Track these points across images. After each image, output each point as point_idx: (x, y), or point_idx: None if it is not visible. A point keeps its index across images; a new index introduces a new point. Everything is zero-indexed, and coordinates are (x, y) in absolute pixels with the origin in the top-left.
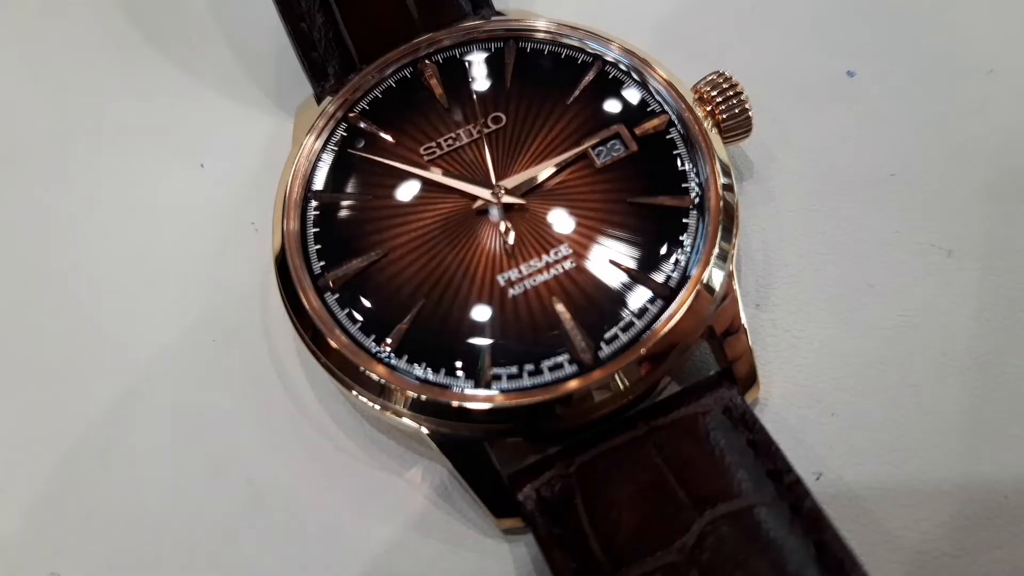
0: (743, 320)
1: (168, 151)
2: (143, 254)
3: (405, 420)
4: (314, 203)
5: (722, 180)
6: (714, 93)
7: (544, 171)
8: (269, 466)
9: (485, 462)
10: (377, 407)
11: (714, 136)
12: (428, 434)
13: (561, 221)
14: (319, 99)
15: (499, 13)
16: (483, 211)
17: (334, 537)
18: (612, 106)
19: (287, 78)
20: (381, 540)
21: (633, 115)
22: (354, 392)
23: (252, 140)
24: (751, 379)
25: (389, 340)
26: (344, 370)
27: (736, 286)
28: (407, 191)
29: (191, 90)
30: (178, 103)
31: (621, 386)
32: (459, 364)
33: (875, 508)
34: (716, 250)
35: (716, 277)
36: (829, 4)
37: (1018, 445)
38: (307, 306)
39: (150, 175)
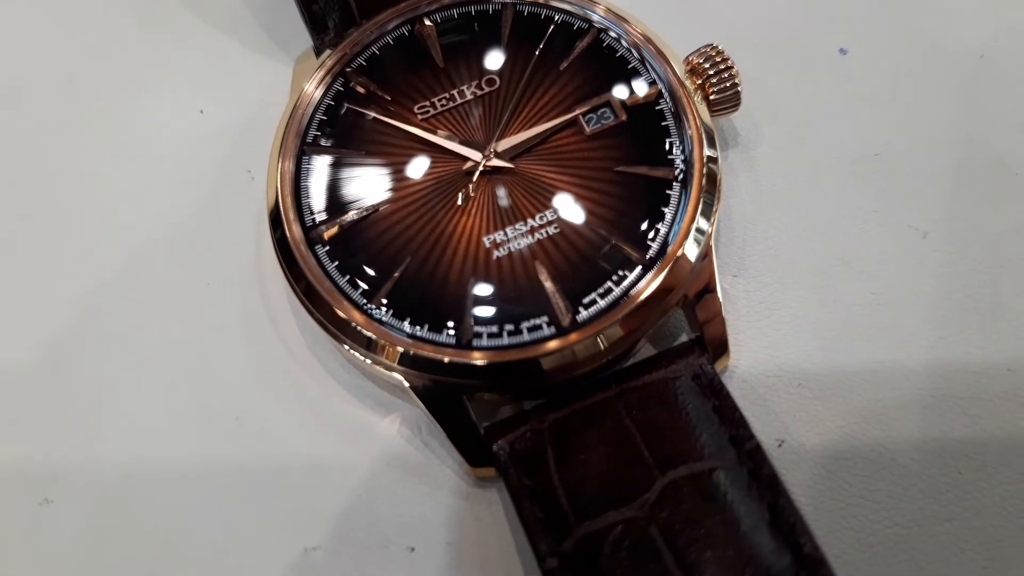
0: (719, 291)
1: (169, 94)
2: (140, 196)
3: (391, 373)
4: (308, 156)
5: (707, 152)
6: (706, 65)
7: (534, 136)
8: (258, 407)
9: (463, 415)
10: (368, 361)
11: (702, 109)
12: (411, 387)
13: (548, 186)
14: (318, 52)
15: None
16: (472, 172)
17: (318, 476)
18: (605, 74)
19: (290, 25)
20: (363, 480)
21: (625, 85)
22: (346, 346)
23: (251, 87)
24: (722, 348)
25: (377, 295)
26: (333, 323)
27: (714, 257)
28: (399, 149)
29: (195, 33)
30: (181, 47)
31: (597, 349)
32: (443, 321)
33: (832, 477)
34: (696, 222)
35: (694, 248)
36: None
37: (975, 424)
38: (299, 259)
39: (151, 118)
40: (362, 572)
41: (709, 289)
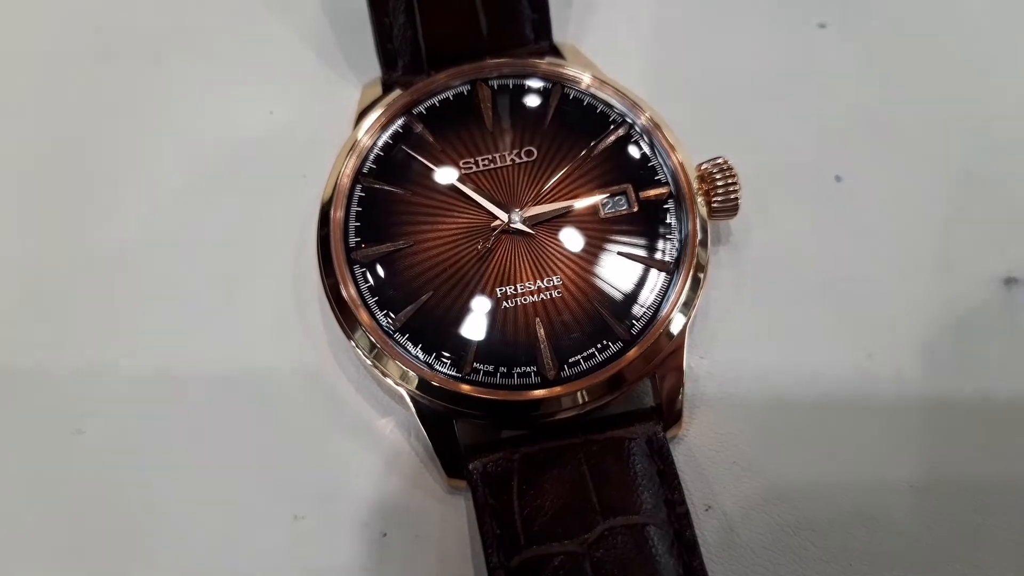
0: (684, 370)
1: (245, 89)
2: (199, 176)
3: (390, 382)
4: (361, 185)
5: (699, 251)
6: (716, 176)
7: (555, 210)
8: (274, 383)
9: (449, 432)
10: (370, 363)
11: (703, 211)
12: (411, 401)
13: (558, 256)
14: (385, 86)
15: (556, 49)
16: (496, 229)
17: (318, 454)
18: (628, 166)
19: (363, 50)
20: (355, 466)
21: (642, 180)
22: (356, 349)
23: (319, 100)
24: (676, 419)
25: (395, 317)
26: (352, 329)
27: (686, 341)
28: (442, 195)
29: (277, 37)
30: (264, 46)
31: (573, 403)
32: (447, 353)
33: (744, 545)
34: (678, 309)
35: (672, 332)
36: (838, 110)
37: (872, 530)
38: (337, 272)
39: (225, 105)
40: (339, 546)
41: (677, 367)
